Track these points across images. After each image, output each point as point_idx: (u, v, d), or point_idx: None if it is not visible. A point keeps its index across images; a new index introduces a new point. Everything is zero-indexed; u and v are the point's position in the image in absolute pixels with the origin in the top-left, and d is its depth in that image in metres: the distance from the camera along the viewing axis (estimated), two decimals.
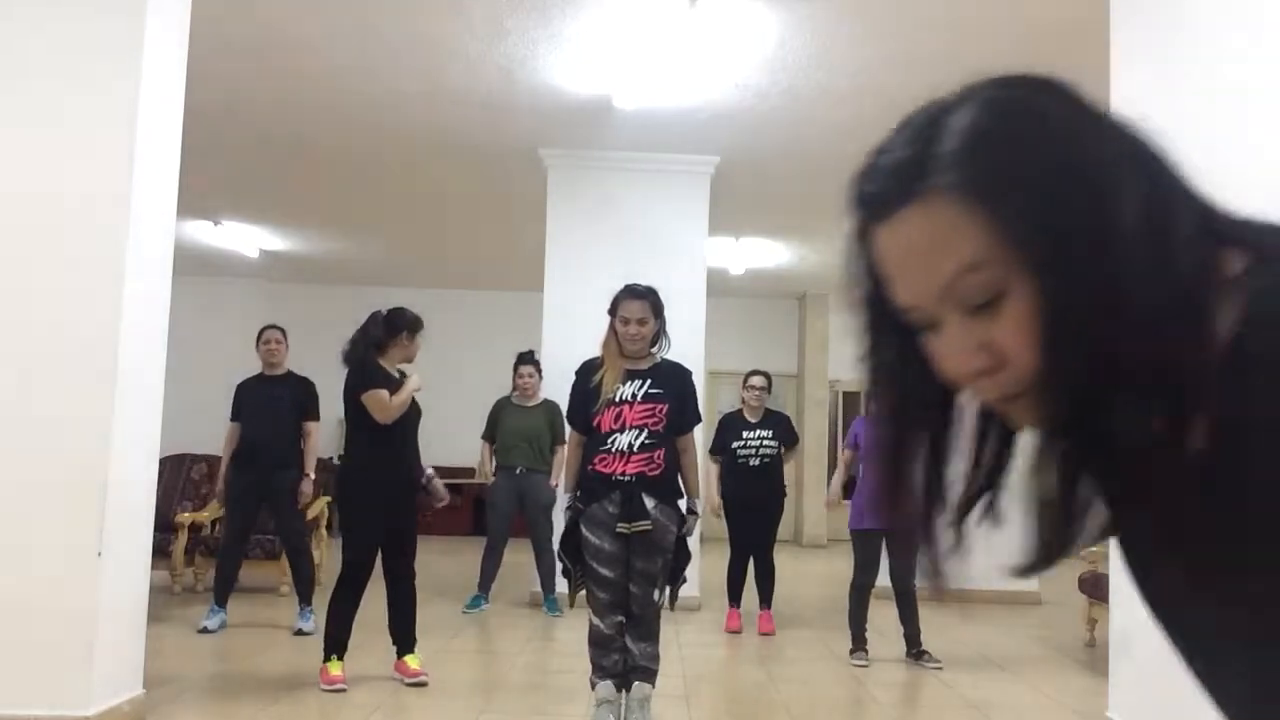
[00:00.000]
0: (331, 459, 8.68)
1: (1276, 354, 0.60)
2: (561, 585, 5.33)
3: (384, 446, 4.66)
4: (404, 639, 4.82)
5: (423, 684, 4.69)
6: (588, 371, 4.15)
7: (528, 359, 6.99)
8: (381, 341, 4.73)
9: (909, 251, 0.68)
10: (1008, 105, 0.66)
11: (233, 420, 6.18)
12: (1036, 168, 0.64)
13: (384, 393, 4.61)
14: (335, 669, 4.60)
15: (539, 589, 6.94)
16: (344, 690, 4.54)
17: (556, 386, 6.22)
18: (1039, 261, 0.64)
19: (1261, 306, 0.62)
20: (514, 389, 7.03)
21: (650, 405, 4.01)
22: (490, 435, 7.04)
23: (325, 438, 6.75)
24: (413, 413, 4.77)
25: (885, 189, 0.68)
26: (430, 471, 5.02)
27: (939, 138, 0.66)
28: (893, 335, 0.74)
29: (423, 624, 4.92)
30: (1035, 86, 0.68)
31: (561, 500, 4.40)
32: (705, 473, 6.04)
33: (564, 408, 4.49)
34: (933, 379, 0.72)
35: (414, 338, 4.80)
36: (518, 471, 6.83)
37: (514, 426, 6.89)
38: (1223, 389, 0.61)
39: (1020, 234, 0.64)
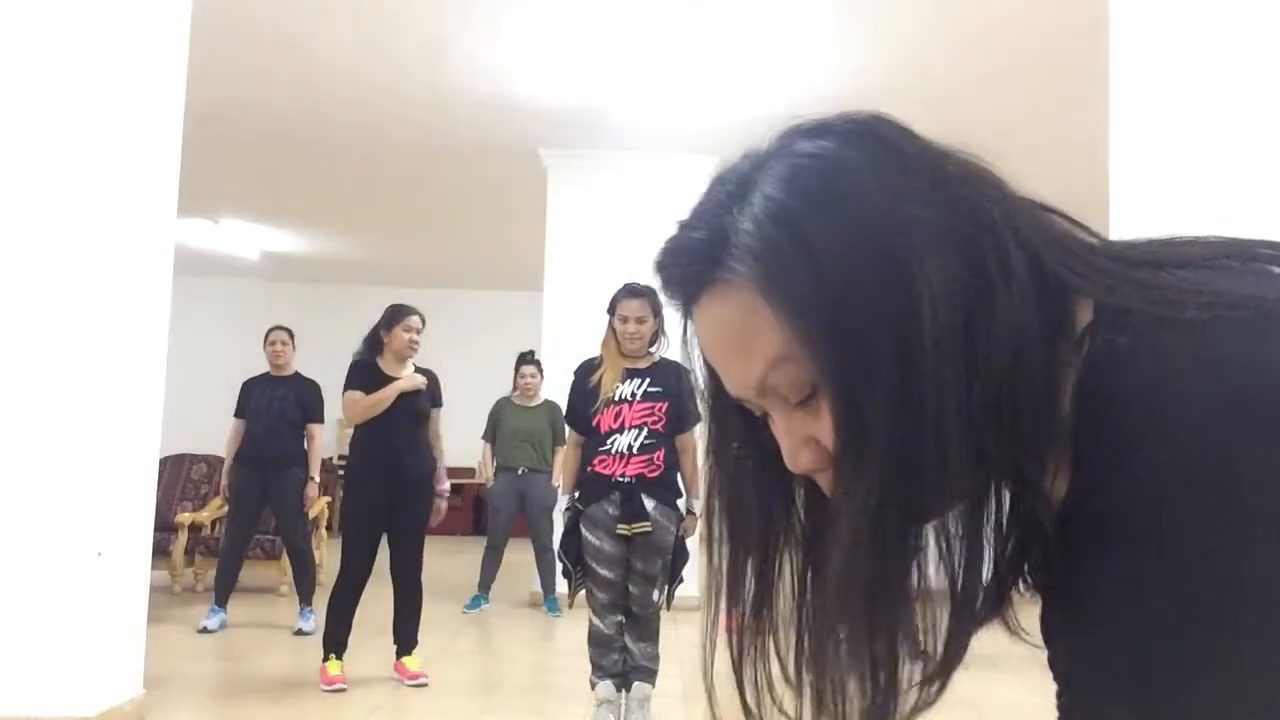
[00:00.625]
0: (332, 459, 8.69)
1: (1104, 442, 0.53)
2: (561, 585, 5.33)
3: (380, 446, 4.66)
4: (403, 639, 4.82)
5: (423, 685, 4.69)
6: (586, 371, 4.15)
7: (529, 359, 6.98)
8: (375, 345, 4.75)
9: (717, 340, 0.62)
10: (811, 175, 0.58)
11: (236, 417, 6.18)
12: (829, 256, 0.56)
13: (354, 394, 4.63)
14: (334, 669, 4.61)
15: (539, 589, 6.95)
16: (344, 690, 4.54)
17: (557, 387, 6.23)
18: (830, 363, 0.57)
19: (1091, 382, 0.55)
20: (515, 389, 7.04)
21: (650, 404, 4.01)
22: (491, 436, 7.05)
23: (327, 439, 6.75)
24: (400, 412, 4.68)
25: (685, 273, 0.62)
26: (444, 488, 4.98)
27: (738, 215, 0.59)
28: (739, 422, 0.67)
29: (423, 624, 4.92)
30: (850, 137, 0.60)
31: (561, 501, 4.40)
32: (706, 472, 6.03)
33: (564, 408, 4.49)
34: (781, 471, 0.65)
35: (392, 330, 4.69)
36: (519, 472, 6.84)
37: (515, 427, 6.90)
38: (1069, 465, 0.56)
39: (811, 332, 0.57)
